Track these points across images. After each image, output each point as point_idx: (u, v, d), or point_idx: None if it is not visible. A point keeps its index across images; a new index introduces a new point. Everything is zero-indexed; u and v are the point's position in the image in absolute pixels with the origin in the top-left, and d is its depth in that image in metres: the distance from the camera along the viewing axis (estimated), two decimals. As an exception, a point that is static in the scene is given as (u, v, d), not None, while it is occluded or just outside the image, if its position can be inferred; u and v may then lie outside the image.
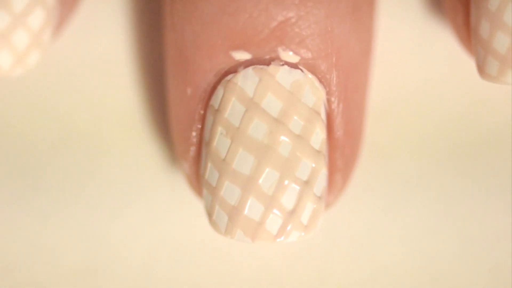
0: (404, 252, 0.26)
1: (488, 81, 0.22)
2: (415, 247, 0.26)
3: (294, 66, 0.22)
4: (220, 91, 0.22)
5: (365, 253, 0.26)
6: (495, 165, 0.26)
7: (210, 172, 0.22)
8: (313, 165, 0.22)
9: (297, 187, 0.22)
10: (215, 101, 0.22)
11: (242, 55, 0.22)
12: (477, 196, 0.26)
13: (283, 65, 0.22)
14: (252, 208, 0.22)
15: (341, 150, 0.23)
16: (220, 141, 0.22)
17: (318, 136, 0.22)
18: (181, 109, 0.23)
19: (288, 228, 0.22)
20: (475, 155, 0.26)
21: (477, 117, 0.26)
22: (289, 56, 0.22)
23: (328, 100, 0.22)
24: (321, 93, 0.22)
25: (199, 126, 0.23)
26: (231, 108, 0.22)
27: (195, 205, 0.25)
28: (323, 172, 0.22)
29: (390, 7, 0.26)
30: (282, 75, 0.22)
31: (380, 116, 0.26)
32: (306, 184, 0.22)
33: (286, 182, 0.22)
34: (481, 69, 0.22)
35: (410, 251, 0.26)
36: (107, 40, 0.25)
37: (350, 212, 0.26)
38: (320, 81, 0.22)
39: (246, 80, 0.22)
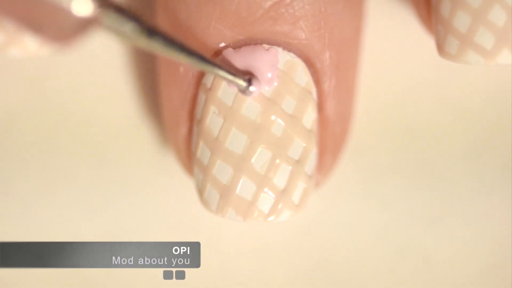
0: (404, 252, 0.26)
1: (448, 60, 0.22)
2: (415, 248, 0.26)
3: (287, 46, 0.22)
4: None
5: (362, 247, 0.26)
6: (490, 165, 0.26)
7: (201, 150, 0.22)
8: (304, 144, 0.22)
9: (289, 167, 0.22)
10: (208, 80, 0.22)
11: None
12: (476, 196, 0.26)
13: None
14: (244, 187, 0.22)
15: (331, 129, 0.23)
16: (212, 120, 0.22)
17: (310, 115, 0.22)
18: (173, 87, 0.23)
19: (279, 206, 0.22)
20: (469, 154, 0.26)
21: (468, 117, 0.26)
22: None
23: (320, 80, 0.22)
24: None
25: (191, 104, 0.23)
26: (224, 87, 0.22)
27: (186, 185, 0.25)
28: (314, 151, 0.22)
29: (381, 7, 0.26)
30: None
31: (369, 114, 0.26)
32: (298, 163, 0.22)
33: (277, 161, 0.22)
34: (441, 48, 0.22)
35: (411, 251, 0.26)
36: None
37: (348, 212, 0.26)
38: (311, 62, 0.22)
39: None
